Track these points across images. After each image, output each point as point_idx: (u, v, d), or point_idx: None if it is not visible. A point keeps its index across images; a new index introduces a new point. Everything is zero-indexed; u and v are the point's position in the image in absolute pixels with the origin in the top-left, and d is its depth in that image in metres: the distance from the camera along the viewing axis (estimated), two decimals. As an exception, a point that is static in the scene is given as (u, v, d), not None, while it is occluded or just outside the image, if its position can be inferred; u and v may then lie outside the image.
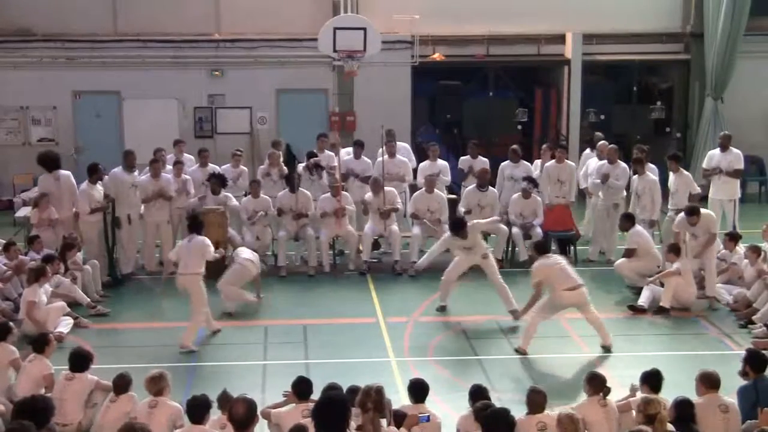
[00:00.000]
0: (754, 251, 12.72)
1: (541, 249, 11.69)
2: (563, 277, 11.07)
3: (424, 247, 14.27)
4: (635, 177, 14.48)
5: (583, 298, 11.18)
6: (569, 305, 11.21)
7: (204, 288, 11.33)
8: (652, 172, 14.62)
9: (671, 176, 14.26)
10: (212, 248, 11.45)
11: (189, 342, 11.20)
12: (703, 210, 12.99)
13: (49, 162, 13.62)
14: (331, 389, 7.33)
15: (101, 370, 9.28)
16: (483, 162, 15.59)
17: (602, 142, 15.74)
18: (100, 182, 13.72)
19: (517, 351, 11.03)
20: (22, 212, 14.84)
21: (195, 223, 11.58)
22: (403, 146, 16.15)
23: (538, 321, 11.19)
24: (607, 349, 11.15)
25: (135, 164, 14.19)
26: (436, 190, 14.61)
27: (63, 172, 13.63)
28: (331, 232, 14.50)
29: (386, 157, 15.22)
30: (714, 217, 13.24)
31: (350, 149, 15.92)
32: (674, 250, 12.73)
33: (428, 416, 7.47)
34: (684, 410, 7.53)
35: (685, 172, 14.54)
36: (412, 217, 14.64)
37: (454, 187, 15.82)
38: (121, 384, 8.46)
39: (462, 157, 16.04)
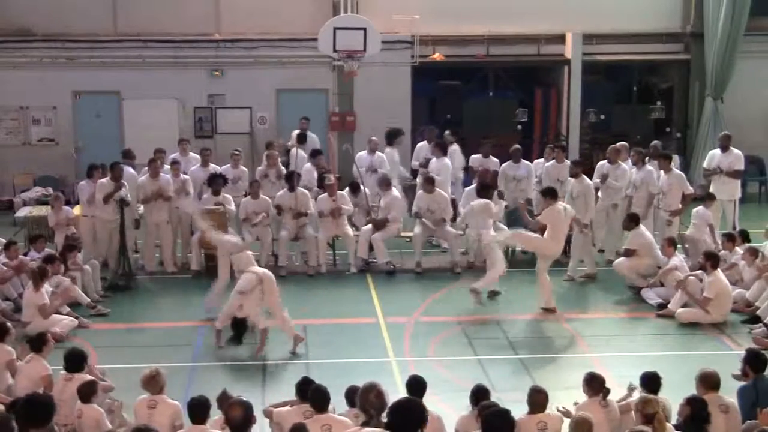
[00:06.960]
0: (752, 254, 12.71)
1: (552, 194, 12.44)
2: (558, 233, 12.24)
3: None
4: (573, 180, 14.03)
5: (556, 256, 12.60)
6: (549, 255, 12.32)
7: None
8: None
9: (662, 176, 14.15)
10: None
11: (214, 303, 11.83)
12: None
13: None
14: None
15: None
16: (494, 163, 15.61)
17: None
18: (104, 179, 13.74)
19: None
20: (22, 212, 14.83)
21: None
22: (454, 149, 16.16)
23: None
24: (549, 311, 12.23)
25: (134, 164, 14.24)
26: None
27: None
28: (329, 232, 14.49)
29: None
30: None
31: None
32: (672, 243, 12.92)
33: None
34: (699, 409, 7.47)
35: (678, 172, 14.42)
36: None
37: None
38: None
39: (473, 156, 16.06)
